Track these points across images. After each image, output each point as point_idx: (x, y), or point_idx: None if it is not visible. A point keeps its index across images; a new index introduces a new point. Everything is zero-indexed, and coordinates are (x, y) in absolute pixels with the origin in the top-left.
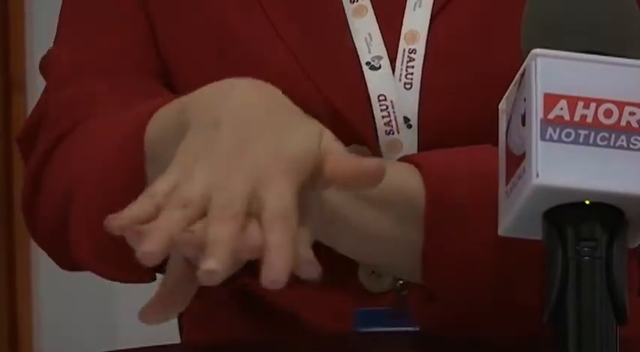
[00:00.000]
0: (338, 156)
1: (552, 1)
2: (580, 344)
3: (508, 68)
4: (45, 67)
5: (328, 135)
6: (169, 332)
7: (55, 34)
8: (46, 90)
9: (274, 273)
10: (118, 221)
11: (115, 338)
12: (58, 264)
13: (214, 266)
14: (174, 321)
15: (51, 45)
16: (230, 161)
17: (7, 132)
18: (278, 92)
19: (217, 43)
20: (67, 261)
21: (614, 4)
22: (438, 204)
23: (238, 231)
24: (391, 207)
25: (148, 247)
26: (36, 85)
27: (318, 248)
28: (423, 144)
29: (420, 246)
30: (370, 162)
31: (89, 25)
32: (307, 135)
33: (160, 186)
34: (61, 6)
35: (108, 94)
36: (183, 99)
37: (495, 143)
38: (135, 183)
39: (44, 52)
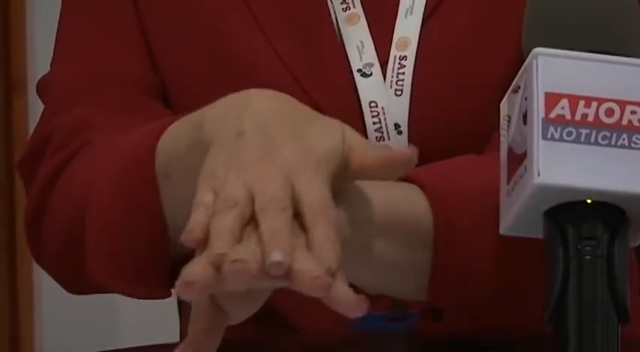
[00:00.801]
0: (365, 146)
1: (553, 0)
2: (581, 342)
3: (498, 74)
4: (43, 89)
5: (350, 130)
6: (170, 332)
7: (55, 36)
8: (44, 114)
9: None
10: (193, 234)
11: (115, 338)
12: (64, 287)
13: (280, 257)
14: (176, 320)
15: (52, 47)
16: (261, 165)
17: (8, 134)
18: (291, 98)
19: (208, 52)
20: (75, 283)
21: (615, 4)
22: (445, 226)
23: (291, 223)
24: (400, 234)
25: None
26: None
27: None
28: None
29: (429, 266)
30: (400, 150)
31: (86, 45)
32: (330, 131)
33: (203, 198)
34: (58, 24)
35: (108, 117)
36: (196, 115)
37: (483, 150)
38: (148, 197)
39: (45, 55)
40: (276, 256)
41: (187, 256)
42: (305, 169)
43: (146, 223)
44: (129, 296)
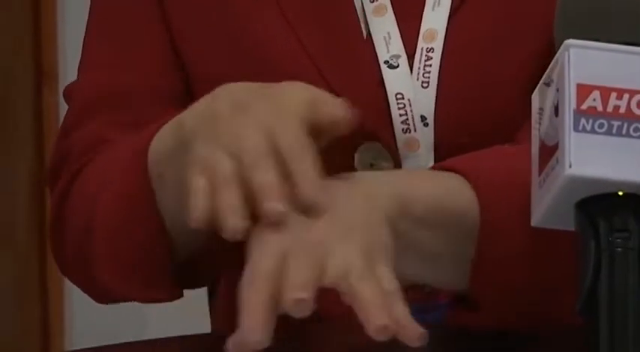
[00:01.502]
0: (332, 100)
1: None
2: (612, 334)
3: (525, 66)
4: (67, 98)
5: (313, 87)
6: (200, 323)
7: (85, 24)
8: (64, 124)
9: (307, 187)
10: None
11: (145, 329)
12: (90, 296)
13: (277, 205)
14: (206, 310)
15: (82, 37)
16: (236, 127)
17: (39, 123)
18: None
19: (234, 45)
20: (94, 293)
21: None
22: (490, 216)
23: (277, 170)
24: (446, 225)
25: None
26: (67, 77)
27: None
28: (439, 142)
29: (472, 256)
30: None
31: (108, 54)
32: (296, 89)
33: (196, 184)
34: (86, 26)
35: (124, 133)
36: (180, 115)
37: (511, 140)
38: (145, 199)
39: (76, 45)
40: (272, 205)
41: (192, 257)
42: (280, 121)
43: (144, 226)
44: (142, 302)
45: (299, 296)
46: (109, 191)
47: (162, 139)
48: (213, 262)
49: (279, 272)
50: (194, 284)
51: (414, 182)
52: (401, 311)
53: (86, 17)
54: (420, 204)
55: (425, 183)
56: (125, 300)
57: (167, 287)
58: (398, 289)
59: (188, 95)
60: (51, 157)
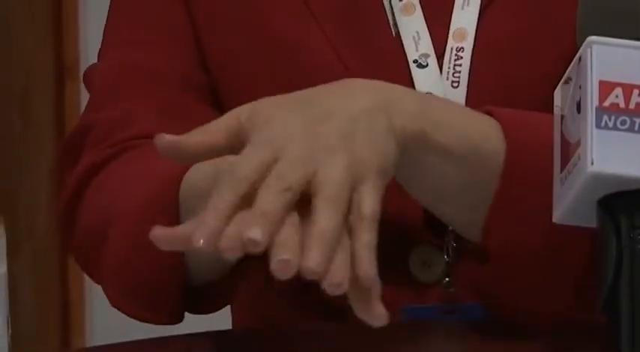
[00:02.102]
0: None
1: None
2: (634, 331)
3: (556, 66)
4: (88, 80)
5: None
6: (220, 320)
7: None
8: (88, 105)
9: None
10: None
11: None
12: (89, 276)
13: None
14: (226, 309)
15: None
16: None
17: (59, 119)
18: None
19: (262, 45)
20: (96, 278)
21: None
22: (515, 165)
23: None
24: (470, 166)
25: (255, 234)
26: None
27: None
28: None
29: (488, 203)
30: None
31: (134, 38)
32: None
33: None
34: (107, 14)
35: (149, 116)
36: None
37: None
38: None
39: (97, 39)
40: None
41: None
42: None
43: (161, 259)
44: (142, 321)
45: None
46: (132, 208)
47: (201, 178)
48: (227, 292)
49: (261, 175)
50: (204, 310)
51: (450, 111)
52: (364, 242)
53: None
54: (444, 132)
55: (457, 117)
56: (124, 313)
57: (169, 312)
58: (374, 213)
59: (215, 99)
60: (70, 131)
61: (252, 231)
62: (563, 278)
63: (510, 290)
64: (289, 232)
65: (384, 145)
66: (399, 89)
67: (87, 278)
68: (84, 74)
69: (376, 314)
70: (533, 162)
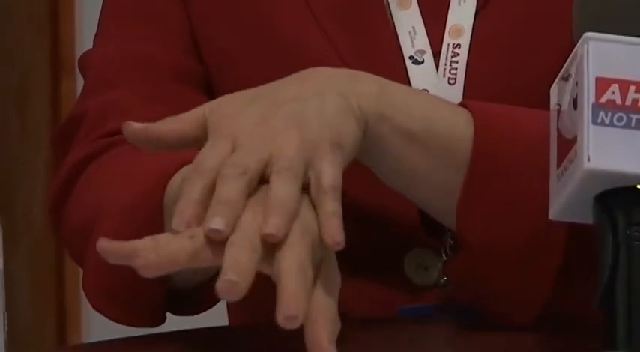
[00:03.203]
0: None
1: None
2: (630, 328)
3: (552, 64)
4: (83, 66)
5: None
6: (219, 314)
7: None
8: (82, 91)
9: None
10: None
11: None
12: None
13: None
14: (222, 304)
15: None
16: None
17: (56, 116)
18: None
19: (259, 38)
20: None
21: None
22: (484, 154)
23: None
24: (435, 149)
25: (216, 224)
26: None
27: (366, 238)
28: None
29: (459, 191)
30: None
31: (128, 26)
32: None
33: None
34: (102, 6)
35: (141, 105)
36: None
37: None
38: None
39: (94, 35)
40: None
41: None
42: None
43: None
44: (122, 323)
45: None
46: (116, 207)
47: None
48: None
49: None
50: (191, 312)
51: (413, 95)
52: (328, 211)
53: None
54: (406, 113)
55: (424, 103)
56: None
57: (150, 314)
58: (335, 183)
59: (208, 89)
60: (63, 121)
61: (213, 221)
62: (541, 271)
63: (489, 280)
64: (241, 250)
65: (338, 120)
66: (359, 74)
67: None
68: (79, 59)
69: (322, 349)
70: (504, 150)
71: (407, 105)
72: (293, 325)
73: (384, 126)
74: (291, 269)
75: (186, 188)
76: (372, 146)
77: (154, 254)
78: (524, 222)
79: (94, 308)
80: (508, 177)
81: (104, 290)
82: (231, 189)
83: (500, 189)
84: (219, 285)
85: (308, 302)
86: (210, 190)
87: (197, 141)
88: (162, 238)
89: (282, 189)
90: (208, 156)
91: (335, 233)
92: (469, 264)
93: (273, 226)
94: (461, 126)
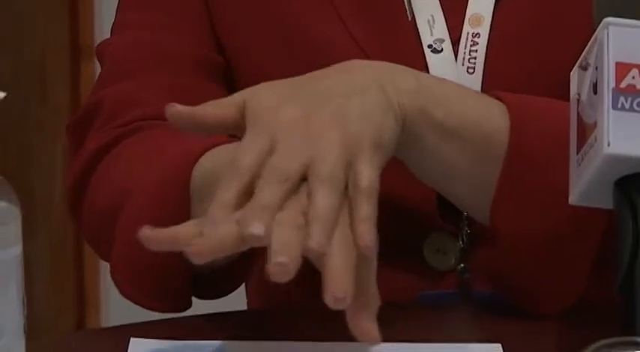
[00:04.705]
0: None
1: None
2: None
3: (572, 53)
4: (100, 54)
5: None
6: (237, 298)
7: None
8: (98, 79)
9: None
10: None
11: None
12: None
13: (258, 231)
14: (241, 288)
15: None
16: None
17: (76, 100)
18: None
19: (279, 30)
20: (105, 258)
21: None
22: (520, 148)
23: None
24: (472, 144)
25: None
26: None
27: (385, 223)
28: None
29: (494, 185)
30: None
31: (146, 15)
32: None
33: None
34: None
35: (158, 95)
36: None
37: None
38: (177, 219)
39: (112, 18)
40: (256, 229)
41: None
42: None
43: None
44: (148, 308)
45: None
46: (143, 191)
47: (213, 167)
48: (237, 276)
49: (261, 164)
50: (214, 295)
51: (449, 90)
52: (363, 215)
53: None
54: (444, 109)
55: (461, 97)
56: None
57: (177, 299)
58: (372, 185)
59: (228, 80)
60: (79, 110)
61: (254, 226)
62: (574, 259)
63: (521, 272)
64: (288, 231)
65: (379, 120)
66: (397, 68)
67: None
68: (96, 48)
69: (366, 332)
70: (539, 142)
71: (444, 101)
72: (341, 306)
73: (422, 122)
74: (339, 246)
75: (220, 188)
76: (410, 142)
77: (204, 240)
78: (559, 214)
79: (123, 294)
80: (543, 170)
81: (132, 276)
82: (272, 195)
83: (536, 181)
84: (271, 268)
85: (353, 281)
86: (246, 191)
87: (236, 126)
88: (207, 223)
89: (324, 198)
90: (246, 153)
91: (366, 237)
92: (501, 257)
93: (315, 241)
94: (497, 120)
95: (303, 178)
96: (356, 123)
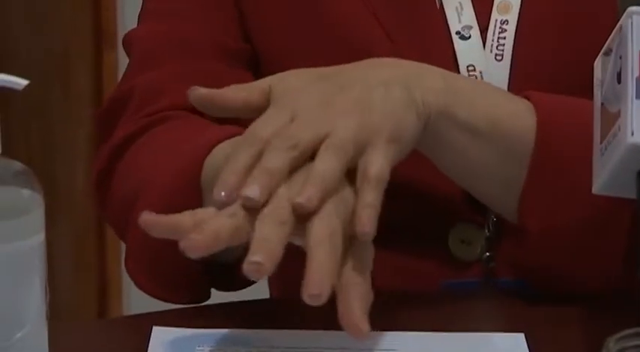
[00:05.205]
0: None
1: None
2: None
3: (600, 39)
4: (127, 44)
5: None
6: (259, 288)
7: None
8: (127, 69)
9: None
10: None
11: None
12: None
13: (252, 193)
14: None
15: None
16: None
17: (99, 88)
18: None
19: (309, 20)
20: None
21: None
22: (546, 148)
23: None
24: (498, 142)
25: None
26: None
27: (411, 214)
28: None
29: (521, 183)
30: None
31: (174, 4)
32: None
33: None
34: None
35: (186, 83)
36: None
37: None
38: (190, 209)
39: (135, 9)
40: (250, 191)
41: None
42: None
43: None
44: (163, 300)
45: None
46: (158, 182)
47: (223, 157)
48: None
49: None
50: (234, 287)
51: (477, 90)
52: (366, 201)
53: None
54: (470, 109)
55: (488, 96)
56: (144, 291)
57: (195, 291)
58: (381, 175)
59: (255, 67)
60: (108, 99)
61: (249, 189)
62: (602, 252)
63: (550, 265)
64: (269, 227)
65: (400, 115)
66: (426, 67)
67: (124, 247)
68: (123, 37)
69: (355, 323)
70: (565, 140)
71: (471, 101)
72: (317, 303)
73: (447, 121)
74: (321, 238)
75: (232, 156)
76: (435, 139)
77: (198, 235)
78: (586, 210)
79: (137, 285)
80: (570, 169)
81: (146, 268)
82: (276, 159)
83: (563, 180)
84: (246, 267)
85: (336, 274)
86: (257, 160)
87: (261, 110)
88: (202, 215)
89: (326, 162)
90: (262, 125)
91: (366, 223)
92: (530, 252)
93: (304, 196)
94: (524, 119)
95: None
96: (376, 114)
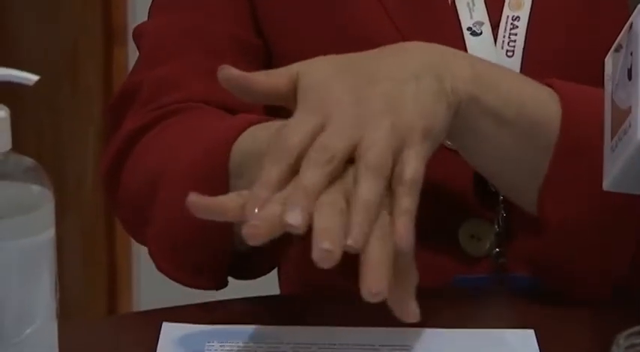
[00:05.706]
0: None
1: None
2: None
3: (612, 38)
4: (137, 37)
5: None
6: (268, 284)
7: None
8: (137, 62)
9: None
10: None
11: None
12: (132, 237)
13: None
14: (273, 273)
15: None
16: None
17: (108, 84)
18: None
19: (319, 14)
20: (140, 238)
21: None
22: (571, 135)
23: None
24: (524, 130)
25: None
26: None
27: (422, 208)
28: None
29: (544, 171)
30: None
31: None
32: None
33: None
34: None
35: (196, 77)
36: (279, 123)
37: None
38: (216, 194)
39: (145, 4)
40: (292, 218)
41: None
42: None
43: (211, 222)
44: (186, 285)
45: (322, 158)
46: (181, 171)
47: (252, 142)
48: (273, 256)
49: (310, 143)
50: (251, 275)
51: (503, 76)
52: (403, 207)
53: None
54: (497, 96)
55: (514, 85)
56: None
57: (214, 277)
58: (416, 177)
59: (266, 62)
60: (117, 92)
61: (290, 215)
62: (620, 247)
63: (565, 259)
64: (330, 217)
65: (432, 108)
66: (451, 52)
67: (134, 243)
68: (134, 31)
69: (409, 312)
70: (589, 130)
71: (498, 87)
72: (377, 300)
73: (475, 109)
74: (377, 237)
75: (266, 165)
76: (462, 128)
77: (260, 222)
78: (607, 202)
79: (159, 268)
80: (593, 158)
81: (170, 251)
82: (315, 176)
83: (585, 169)
84: (316, 255)
85: (392, 269)
86: (292, 170)
87: (287, 97)
88: (250, 199)
89: (370, 191)
90: (295, 131)
91: (403, 232)
92: (546, 243)
93: (354, 241)
94: (548, 107)
95: (350, 160)
96: (408, 111)
